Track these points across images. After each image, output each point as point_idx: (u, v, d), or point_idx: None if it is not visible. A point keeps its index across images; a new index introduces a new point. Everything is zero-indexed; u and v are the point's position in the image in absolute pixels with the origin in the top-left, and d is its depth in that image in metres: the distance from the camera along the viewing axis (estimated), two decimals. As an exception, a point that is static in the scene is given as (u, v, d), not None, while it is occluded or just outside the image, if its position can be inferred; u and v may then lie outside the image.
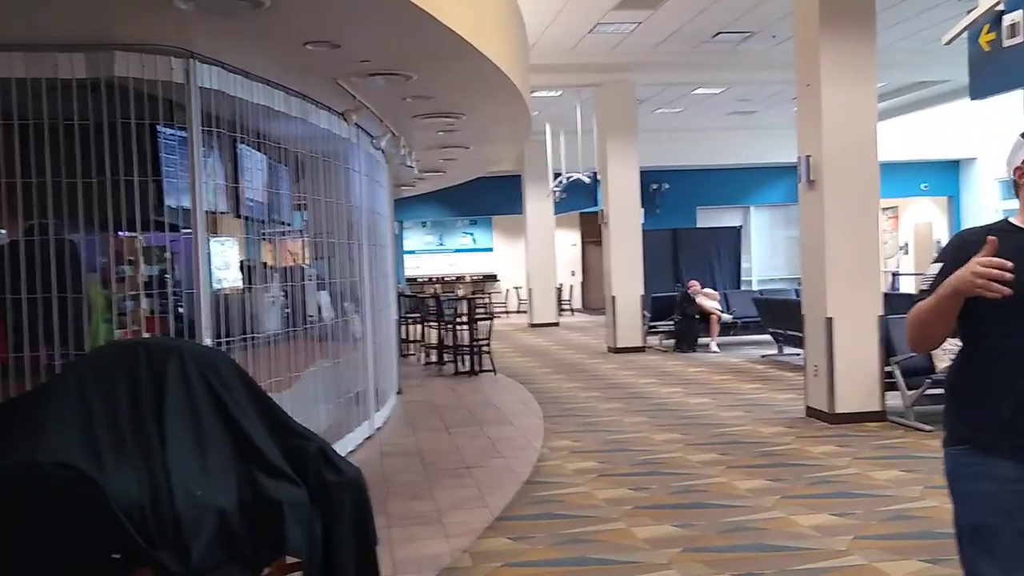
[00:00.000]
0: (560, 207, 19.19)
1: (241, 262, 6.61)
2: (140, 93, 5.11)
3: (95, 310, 5.15)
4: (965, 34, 5.69)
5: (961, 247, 2.34)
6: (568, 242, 25.07)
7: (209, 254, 5.40)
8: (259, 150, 6.35)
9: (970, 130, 18.74)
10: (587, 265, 25.57)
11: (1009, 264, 2.05)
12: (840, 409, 7.79)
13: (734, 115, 18.23)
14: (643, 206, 14.81)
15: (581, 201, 17.67)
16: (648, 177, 16.82)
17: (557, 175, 17.12)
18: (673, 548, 4.71)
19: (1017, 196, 2.42)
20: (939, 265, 2.35)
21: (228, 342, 5.41)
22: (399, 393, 10.21)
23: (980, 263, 2.08)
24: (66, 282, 4.94)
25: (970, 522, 2.32)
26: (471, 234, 25.93)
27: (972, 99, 5.82)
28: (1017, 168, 2.38)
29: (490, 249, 26.03)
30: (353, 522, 3.33)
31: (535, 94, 11.26)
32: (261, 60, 5.68)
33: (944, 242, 2.46)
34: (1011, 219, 2.41)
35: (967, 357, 2.39)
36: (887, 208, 21.68)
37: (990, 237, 2.13)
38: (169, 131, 5.36)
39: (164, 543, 2.84)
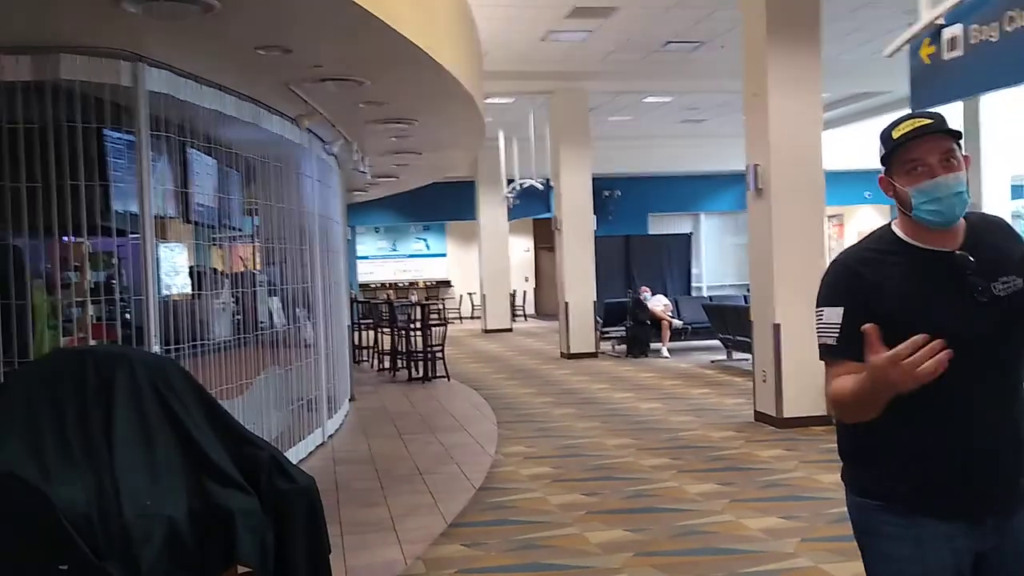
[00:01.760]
0: (514, 213, 19.23)
1: (191, 268, 6.53)
2: (87, 96, 5.03)
3: (39, 317, 5.05)
4: (907, 47, 5.85)
5: (852, 280, 2.02)
6: (521, 248, 25.13)
7: (158, 260, 5.32)
8: (209, 155, 6.28)
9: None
10: (540, 271, 25.66)
11: (938, 344, 1.73)
12: (788, 414, 7.92)
13: (685, 123, 18.45)
14: (595, 213, 14.93)
15: (534, 207, 17.74)
16: (600, 184, 16.98)
17: (511, 181, 17.18)
18: (625, 552, 4.76)
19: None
20: (838, 311, 2.00)
21: (177, 349, 5.34)
22: (352, 400, 10.14)
23: (905, 361, 1.73)
24: (10, 288, 4.83)
25: None
26: (424, 240, 25.86)
27: (913, 111, 5.98)
28: (880, 178, 2.06)
29: (444, 255, 25.99)
30: (306, 530, 3.31)
31: (489, 101, 11.28)
32: (211, 64, 5.62)
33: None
34: (893, 227, 2.08)
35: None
36: (832, 216, 22.14)
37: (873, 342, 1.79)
38: (117, 135, 5.29)
39: (112, 553, 2.80)
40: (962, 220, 2.03)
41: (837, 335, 2.00)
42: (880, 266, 2.02)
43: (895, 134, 2.00)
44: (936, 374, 1.73)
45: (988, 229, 2.06)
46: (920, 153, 1.97)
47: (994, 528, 2.01)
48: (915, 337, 1.74)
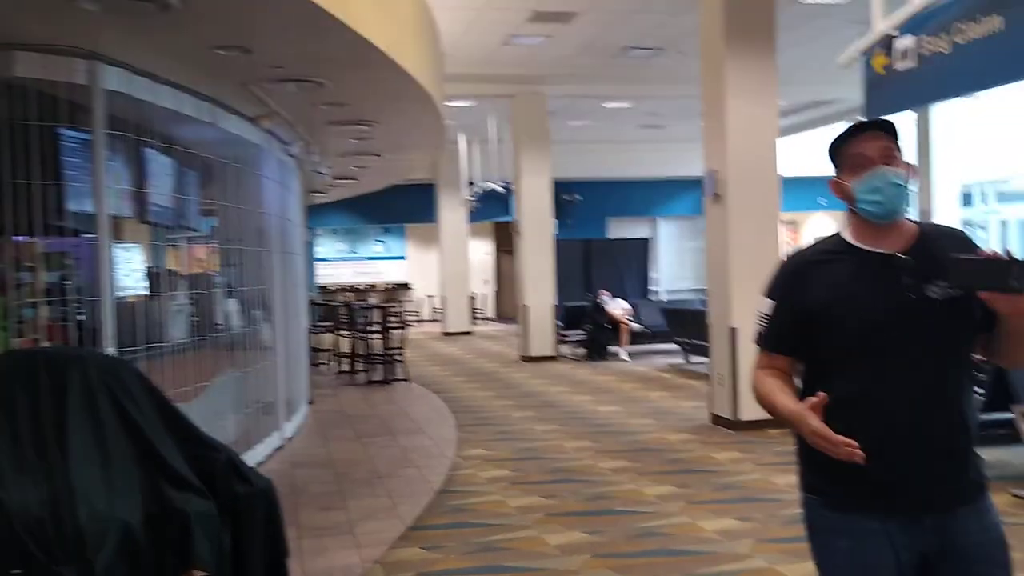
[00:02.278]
0: (474, 216, 19.26)
1: (147, 268, 6.45)
2: (42, 94, 4.95)
3: (-9, 318, 4.96)
4: (861, 57, 5.98)
5: (791, 279, 2.16)
6: (481, 251, 25.13)
7: (113, 260, 5.25)
8: (167, 154, 6.21)
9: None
10: (500, 274, 25.68)
11: (858, 454, 1.89)
12: (744, 416, 8.02)
13: (645, 128, 18.61)
14: (555, 216, 14.98)
15: (495, 210, 17.79)
16: (560, 188, 17.03)
17: (471, 184, 17.18)
18: (583, 554, 4.79)
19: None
20: (771, 304, 2.17)
21: (133, 351, 5.27)
22: (310, 403, 10.07)
23: (823, 439, 1.92)
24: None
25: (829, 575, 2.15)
26: (384, 242, 25.76)
27: (867, 119, 6.11)
28: (830, 182, 2.14)
29: (403, 257, 25.90)
30: (263, 534, 3.30)
31: (449, 103, 11.28)
32: (169, 63, 5.56)
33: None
34: (842, 232, 2.18)
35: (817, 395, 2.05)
36: (788, 222, 22.45)
37: (814, 401, 1.95)
38: (72, 134, 5.21)
39: (66, 558, 2.76)
40: (915, 226, 2.11)
41: (767, 326, 2.19)
42: (824, 266, 2.13)
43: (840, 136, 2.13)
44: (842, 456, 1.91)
45: (940, 237, 2.11)
46: (861, 148, 2.07)
47: (933, 528, 2.04)
48: (848, 445, 1.90)
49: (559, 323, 14.80)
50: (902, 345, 2.00)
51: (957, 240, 2.10)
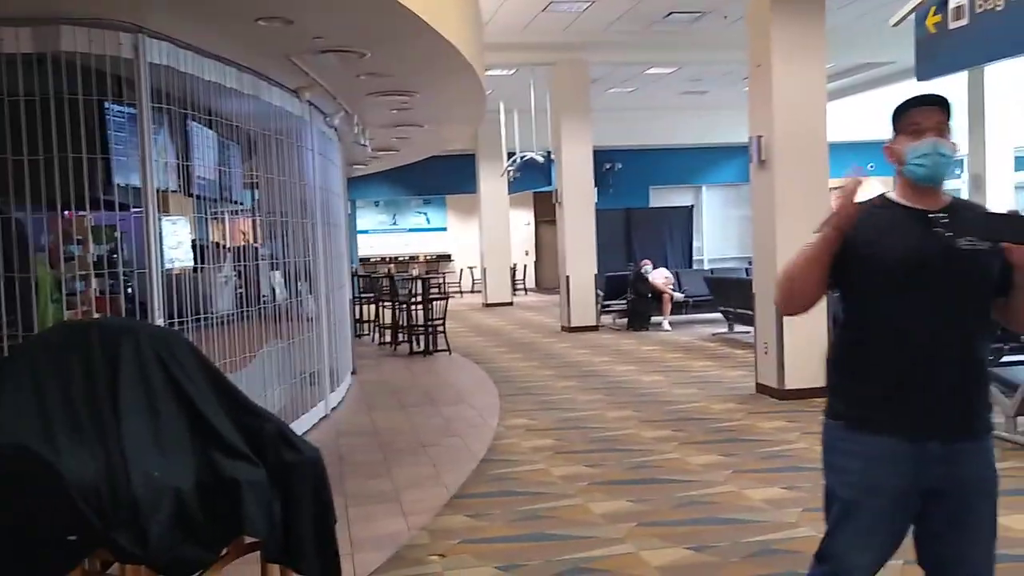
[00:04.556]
0: (514, 186, 19.18)
1: (192, 241, 6.52)
2: (88, 69, 5.00)
3: (43, 290, 5.05)
4: (912, 16, 5.81)
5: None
6: (522, 221, 25.10)
7: (160, 233, 5.31)
8: (210, 127, 6.25)
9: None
10: (541, 245, 25.64)
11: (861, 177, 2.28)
12: (789, 385, 7.94)
13: (687, 95, 18.36)
14: (596, 185, 14.87)
15: (535, 180, 17.68)
16: (601, 156, 16.91)
17: (511, 154, 17.11)
18: (628, 523, 4.79)
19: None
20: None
21: (181, 322, 5.35)
22: (354, 373, 10.17)
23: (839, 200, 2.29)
24: (13, 262, 4.83)
25: (838, 493, 2.40)
26: (425, 213, 25.81)
27: (918, 80, 5.94)
28: (885, 147, 2.43)
29: (444, 229, 25.95)
30: (312, 501, 3.33)
31: (489, 72, 11.21)
32: (212, 36, 5.58)
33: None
34: (887, 194, 2.46)
35: (847, 331, 2.44)
36: (836, 187, 22.02)
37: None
38: (117, 108, 5.26)
39: (120, 524, 2.82)
40: (949, 197, 2.41)
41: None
42: (871, 216, 2.38)
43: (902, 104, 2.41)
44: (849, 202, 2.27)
45: (968, 208, 2.42)
46: (919, 118, 2.35)
47: (939, 456, 2.29)
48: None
49: (600, 293, 14.74)
50: (930, 285, 2.27)
51: (980, 210, 2.42)
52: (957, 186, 18.54)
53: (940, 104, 2.36)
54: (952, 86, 8.62)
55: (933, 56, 5.72)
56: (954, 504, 2.31)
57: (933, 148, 2.31)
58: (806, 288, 2.37)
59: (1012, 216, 2.25)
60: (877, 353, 2.32)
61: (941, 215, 2.32)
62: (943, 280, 2.27)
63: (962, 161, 14.64)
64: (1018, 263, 2.22)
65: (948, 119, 2.35)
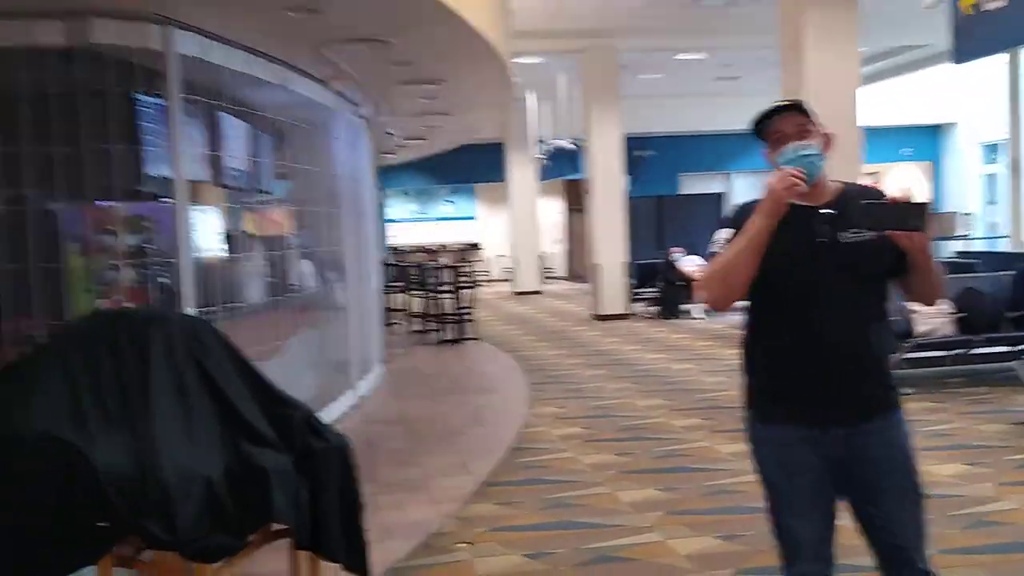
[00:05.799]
0: (544, 175, 19.15)
1: (224, 231, 6.57)
2: (118, 61, 5.04)
3: (75, 280, 5.12)
4: (947, -2, 5.70)
5: (741, 215, 2.50)
6: (552, 210, 25.03)
7: (191, 223, 5.36)
8: (240, 118, 6.29)
9: (950, 95, 18.79)
10: (571, 233, 25.54)
11: (800, 179, 2.34)
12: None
13: (718, 81, 18.15)
14: (627, 173, 14.78)
15: (565, 168, 17.65)
16: (631, 144, 16.78)
17: (540, 142, 17.05)
18: (656, 511, 4.77)
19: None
20: (729, 231, 2.49)
21: (211, 312, 5.39)
22: (384, 362, 10.22)
23: (779, 176, 2.36)
24: (45, 252, 4.89)
25: (764, 480, 2.55)
26: (453, 202, 25.84)
27: (956, 63, 5.83)
28: (764, 152, 2.53)
29: (473, 218, 25.96)
30: (340, 489, 3.35)
31: (517, 60, 11.17)
32: (241, 27, 5.60)
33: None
34: None
35: (747, 331, 2.57)
36: (869, 173, 21.73)
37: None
38: (148, 99, 5.30)
39: (151, 511, 2.85)
40: (840, 185, 2.52)
41: (723, 248, 2.48)
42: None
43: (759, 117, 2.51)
44: (795, 186, 2.35)
45: (859, 195, 2.46)
46: (780, 125, 2.48)
47: (839, 440, 2.41)
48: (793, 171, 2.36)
49: (631, 281, 14.68)
50: (820, 281, 2.39)
51: (872, 196, 2.44)
52: (995, 171, 18.23)
53: (797, 108, 2.49)
54: (989, 66, 8.43)
55: (970, 38, 5.62)
56: (869, 478, 2.43)
57: (795, 152, 2.42)
58: (741, 281, 2.42)
59: (894, 203, 2.28)
60: (773, 349, 2.47)
61: (828, 211, 2.42)
62: (832, 274, 2.39)
63: (996, 146, 14.35)
64: (907, 248, 2.30)
65: (809, 119, 2.48)
